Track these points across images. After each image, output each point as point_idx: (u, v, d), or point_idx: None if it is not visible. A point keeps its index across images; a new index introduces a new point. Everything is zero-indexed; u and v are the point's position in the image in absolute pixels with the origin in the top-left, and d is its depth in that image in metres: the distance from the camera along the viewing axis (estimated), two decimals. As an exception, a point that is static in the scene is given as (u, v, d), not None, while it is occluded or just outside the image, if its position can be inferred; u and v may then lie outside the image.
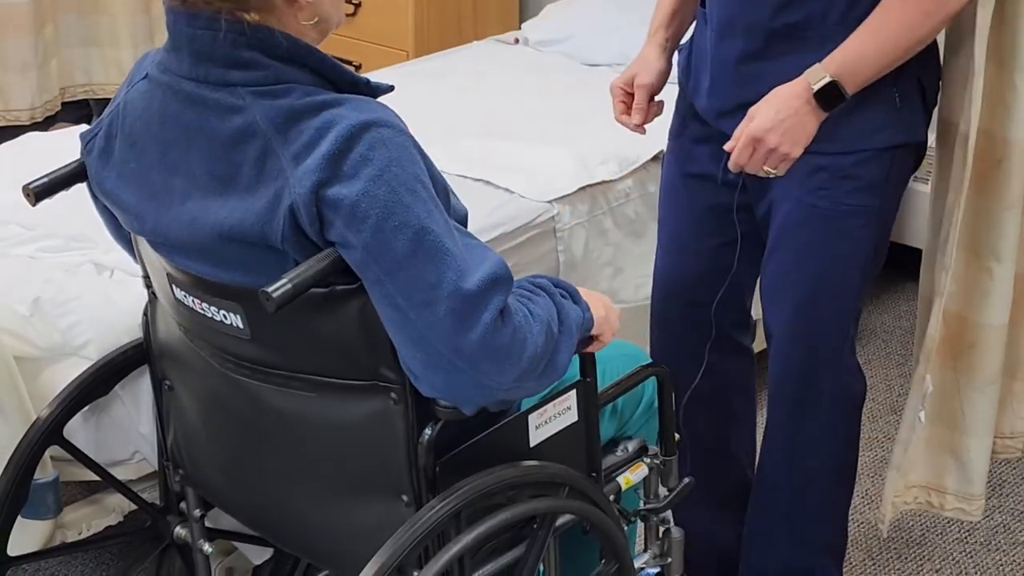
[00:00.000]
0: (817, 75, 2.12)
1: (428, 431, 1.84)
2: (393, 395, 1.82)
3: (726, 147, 2.20)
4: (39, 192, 2.00)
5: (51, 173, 2.01)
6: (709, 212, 2.45)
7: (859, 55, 2.13)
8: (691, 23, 2.43)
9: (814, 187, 2.27)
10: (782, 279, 2.36)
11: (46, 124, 4.66)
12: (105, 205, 2.02)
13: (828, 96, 2.13)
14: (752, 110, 2.17)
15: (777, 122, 2.13)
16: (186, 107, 1.79)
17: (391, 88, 1.85)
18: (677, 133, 2.49)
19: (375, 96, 1.83)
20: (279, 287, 1.68)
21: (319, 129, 1.70)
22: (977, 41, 2.10)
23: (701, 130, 2.41)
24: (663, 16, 2.46)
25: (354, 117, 1.71)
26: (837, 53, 2.13)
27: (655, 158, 3.17)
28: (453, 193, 1.87)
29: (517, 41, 4.16)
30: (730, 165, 2.20)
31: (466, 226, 1.87)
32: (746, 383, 2.66)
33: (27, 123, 4.47)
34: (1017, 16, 2.10)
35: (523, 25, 4.33)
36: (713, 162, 2.37)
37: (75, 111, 4.85)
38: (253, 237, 1.73)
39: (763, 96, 2.17)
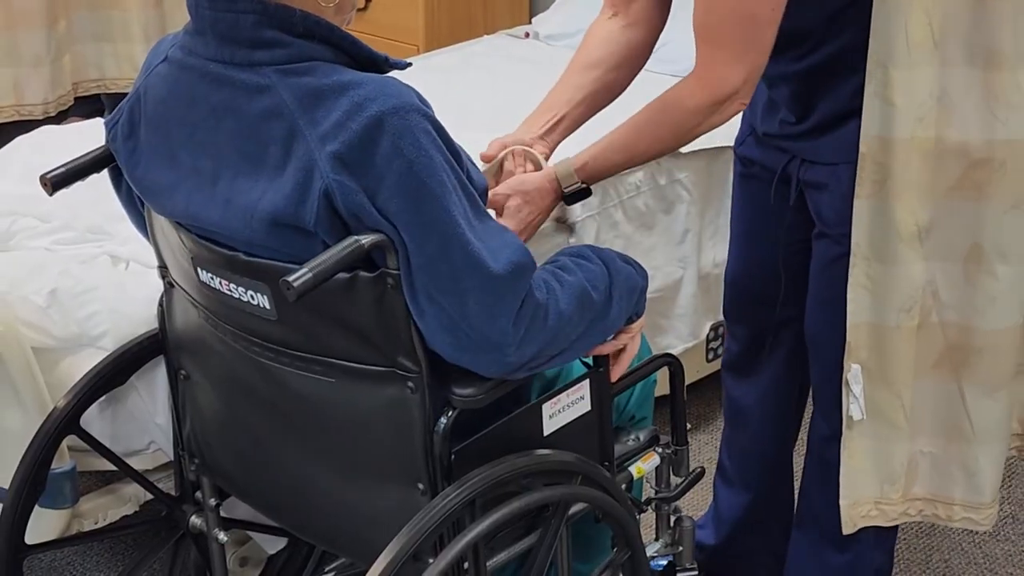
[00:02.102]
0: (569, 179, 2.20)
1: (443, 420, 1.86)
2: (410, 384, 1.84)
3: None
4: (56, 182, 2.01)
5: (68, 163, 2.02)
6: (766, 212, 2.46)
7: (609, 163, 2.21)
8: (574, 127, 2.36)
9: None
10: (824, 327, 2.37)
11: (59, 118, 4.67)
12: (129, 195, 2.05)
13: (575, 196, 2.23)
14: (501, 198, 2.20)
15: (527, 223, 2.21)
16: (214, 88, 1.81)
17: (409, 64, 1.88)
18: (739, 141, 2.52)
19: (392, 70, 1.85)
20: (300, 276, 1.69)
21: (346, 112, 1.72)
22: (872, 38, 2.08)
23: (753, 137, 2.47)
24: (543, 104, 2.39)
25: (381, 101, 1.72)
26: (589, 159, 2.20)
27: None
28: (471, 162, 1.89)
29: (528, 35, 4.17)
30: None
31: (485, 198, 1.90)
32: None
33: (40, 117, 4.48)
34: (995, 13, 2.08)
35: (533, 19, 4.34)
36: (767, 165, 2.41)
37: (88, 106, 4.86)
38: (286, 218, 1.75)
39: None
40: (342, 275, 1.76)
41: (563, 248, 2.07)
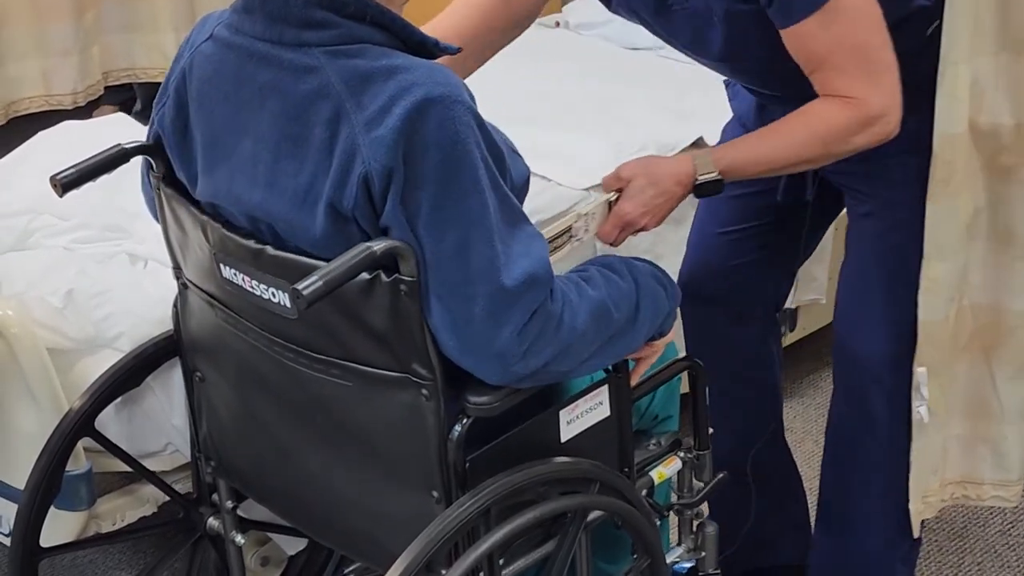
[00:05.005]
0: (706, 167, 2.11)
1: (458, 428, 1.83)
2: (424, 391, 1.81)
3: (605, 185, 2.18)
4: (66, 183, 1.99)
5: (79, 164, 2.00)
6: (740, 200, 2.45)
7: (750, 160, 2.14)
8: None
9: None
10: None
11: (89, 108, 4.67)
12: (157, 187, 2.02)
13: (707, 187, 2.12)
14: (628, 175, 2.13)
15: (651, 207, 2.12)
16: (261, 68, 1.79)
17: (459, 49, 1.86)
18: None
19: (443, 55, 1.82)
20: (310, 284, 1.67)
21: (392, 96, 1.70)
22: (944, 38, 2.07)
23: None
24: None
25: (428, 88, 1.70)
26: (730, 151, 2.15)
27: (694, 144, 3.13)
28: (516, 153, 1.85)
29: (558, 24, 4.13)
30: (598, 236, 2.16)
31: (527, 189, 1.87)
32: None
33: (69, 108, 4.47)
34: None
35: (564, 8, 4.29)
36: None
37: (120, 94, 4.86)
38: (326, 201, 1.73)
39: None
40: (365, 275, 1.73)
41: (595, 256, 2.02)
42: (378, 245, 1.71)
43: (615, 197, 2.13)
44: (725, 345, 2.58)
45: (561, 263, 2.02)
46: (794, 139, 2.11)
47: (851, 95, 2.05)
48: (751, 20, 2.07)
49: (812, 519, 2.75)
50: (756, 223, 2.49)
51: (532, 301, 1.76)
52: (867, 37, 2.03)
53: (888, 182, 2.27)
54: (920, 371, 2.25)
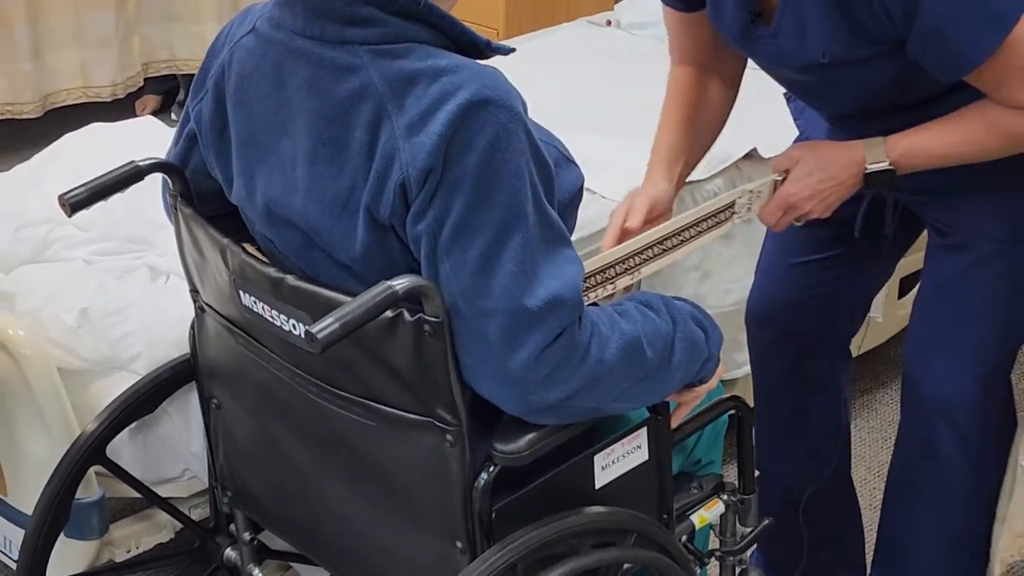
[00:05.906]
0: (877, 155, 2.01)
1: (484, 476, 1.72)
2: (449, 437, 1.70)
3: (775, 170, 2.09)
4: (75, 203, 1.89)
5: (89, 182, 1.90)
6: (812, 230, 2.32)
7: (923, 151, 2.02)
8: (696, 163, 2.28)
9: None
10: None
11: (128, 100, 4.61)
12: (174, 207, 1.94)
13: (878, 177, 2.02)
14: (797, 156, 2.05)
15: (817, 191, 2.03)
16: (300, 65, 1.69)
17: (512, 50, 1.74)
18: None
19: (495, 55, 1.72)
20: (326, 327, 1.56)
21: (436, 100, 1.59)
22: None
23: None
24: (666, 151, 2.25)
25: (473, 91, 1.59)
26: (903, 140, 2.02)
27: (747, 157, 3.01)
28: (570, 160, 1.76)
29: (610, 23, 4.02)
30: (759, 217, 2.08)
31: (579, 197, 1.77)
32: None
33: (108, 100, 4.42)
34: None
35: (617, 6, 4.18)
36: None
37: (162, 84, 4.80)
38: (365, 208, 1.63)
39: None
40: (389, 313, 1.63)
41: (633, 294, 1.90)
42: (400, 283, 1.60)
43: (782, 178, 2.05)
44: (793, 377, 2.47)
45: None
46: (973, 137, 2.00)
47: None
48: (868, 62, 1.98)
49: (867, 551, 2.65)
50: (829, 254, 2.37)
51: (555, 325, 1.63)
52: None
53: (980, 218, 2.15)
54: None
